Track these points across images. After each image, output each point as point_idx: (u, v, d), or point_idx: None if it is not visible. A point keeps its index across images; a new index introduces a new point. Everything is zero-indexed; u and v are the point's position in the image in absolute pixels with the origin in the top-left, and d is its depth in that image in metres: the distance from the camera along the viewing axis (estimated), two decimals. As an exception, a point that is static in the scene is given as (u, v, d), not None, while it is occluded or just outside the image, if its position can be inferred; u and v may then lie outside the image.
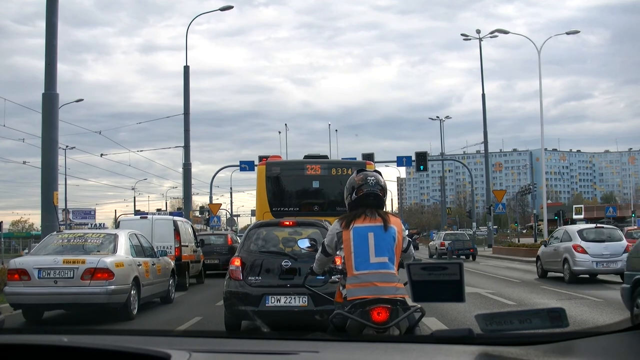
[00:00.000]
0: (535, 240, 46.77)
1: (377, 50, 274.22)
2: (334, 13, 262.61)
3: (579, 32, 38.74)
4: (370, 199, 4.70)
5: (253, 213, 47.67)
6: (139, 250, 13.06)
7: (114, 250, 11.95)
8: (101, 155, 45.25)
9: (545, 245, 20.67)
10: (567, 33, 38.94)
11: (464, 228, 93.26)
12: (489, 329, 2.07)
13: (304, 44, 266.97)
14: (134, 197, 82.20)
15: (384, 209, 4.84)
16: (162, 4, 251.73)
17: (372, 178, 4.76)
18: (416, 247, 55.36)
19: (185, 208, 34.70)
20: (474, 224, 52.22)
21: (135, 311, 11.85)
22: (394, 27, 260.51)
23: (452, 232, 45.70)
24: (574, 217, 60.47)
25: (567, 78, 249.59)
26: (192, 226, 22.09)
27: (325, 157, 19.98)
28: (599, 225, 20.35)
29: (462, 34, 44.33)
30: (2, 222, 42.78)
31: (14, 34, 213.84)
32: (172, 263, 15.52)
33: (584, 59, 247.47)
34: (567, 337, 2.05)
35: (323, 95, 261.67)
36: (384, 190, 4.79)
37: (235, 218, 65.10)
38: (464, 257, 36.31)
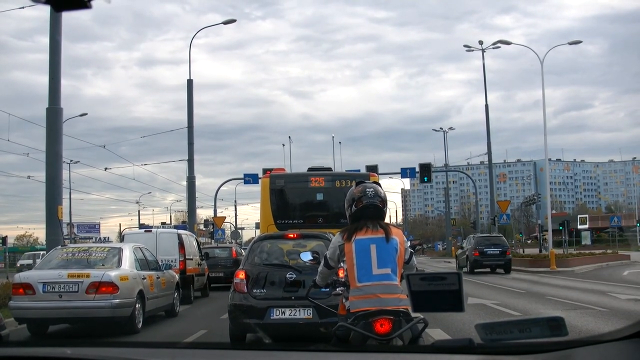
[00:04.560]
0: (541, 251, 46.63)
1: (375, 62, 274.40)
2: (332, 26, 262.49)
3: (581, 42, 38.62)
4: (370, 210, 4.72)
5: (257, 226, 47.67)
6: (144, 263, 13.06)
7: (119, 264, 11.96)
8: (105, 169, 45.47)
9: None
10: (570, 43, 38.91)
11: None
12: (489, 338, 2.08)
13: (302, 57, 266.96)
14: (138, 211, 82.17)
15: (386, 220, 4.86)
16: (160, 18, 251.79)
17: (371, 190, 4.79)
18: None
19: (189, 221, 34.73)
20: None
21: (140, 325, 11.83)
22: (392, 39, 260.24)
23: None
24: (579, 227, 60.02)
25: (566, 88, 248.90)
26: (196, 239, 22.08)
27: (329, 169, 20.03)
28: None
29: (464, 45, 44.20)
30: (6, 236, 42.90)
31: (14, 49, 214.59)
32: (177, 276, 15.50)
33: (583, 69, 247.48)
34: (567, 346, 2.06)
35: (322, 108, 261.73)
36: (383, 201, 4.81)
37: (240, 231, 65.16)
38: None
